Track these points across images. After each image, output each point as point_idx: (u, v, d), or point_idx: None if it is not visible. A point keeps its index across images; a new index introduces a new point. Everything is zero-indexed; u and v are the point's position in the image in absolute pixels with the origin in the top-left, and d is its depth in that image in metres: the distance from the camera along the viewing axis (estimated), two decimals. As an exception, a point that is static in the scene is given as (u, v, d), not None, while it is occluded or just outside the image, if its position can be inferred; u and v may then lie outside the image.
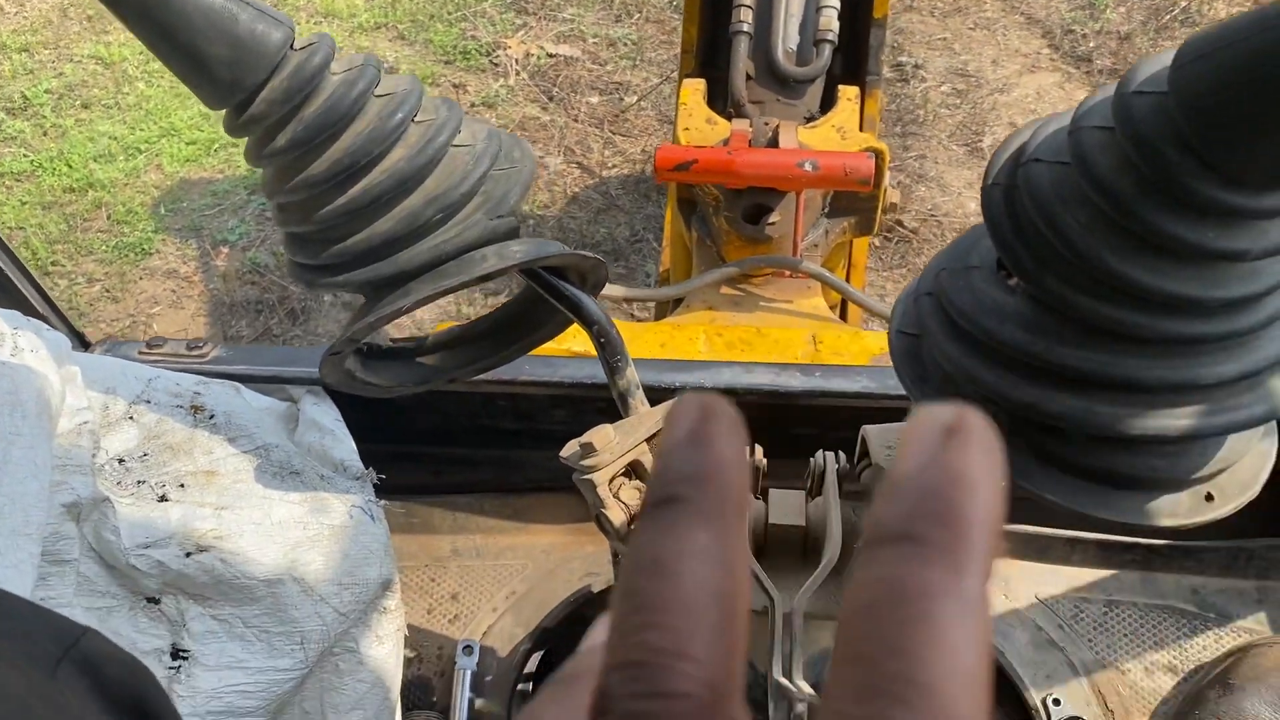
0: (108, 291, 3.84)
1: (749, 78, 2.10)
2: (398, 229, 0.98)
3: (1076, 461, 0.77)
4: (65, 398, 1.07)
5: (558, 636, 1.44)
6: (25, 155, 4.22)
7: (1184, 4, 4.23)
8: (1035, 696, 1.33)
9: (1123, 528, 0.79)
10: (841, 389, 1.32)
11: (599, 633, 0.35)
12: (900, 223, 3.76)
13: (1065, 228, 0.68)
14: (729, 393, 1.36)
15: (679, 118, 2.09)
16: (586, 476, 1.00)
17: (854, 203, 2.18)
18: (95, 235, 4.01)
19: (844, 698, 0.23)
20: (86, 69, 4.45)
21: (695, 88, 2.16)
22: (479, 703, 1.37)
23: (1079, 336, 0.73)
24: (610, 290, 2.11)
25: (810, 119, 2.11)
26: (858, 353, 1.79)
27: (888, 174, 2.15)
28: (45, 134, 4.34)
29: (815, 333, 1.86)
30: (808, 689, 0.89)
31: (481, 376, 1.26)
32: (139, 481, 1.11)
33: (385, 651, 1.21)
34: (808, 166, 1.86)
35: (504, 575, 1.48)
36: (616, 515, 1.01)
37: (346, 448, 1.29)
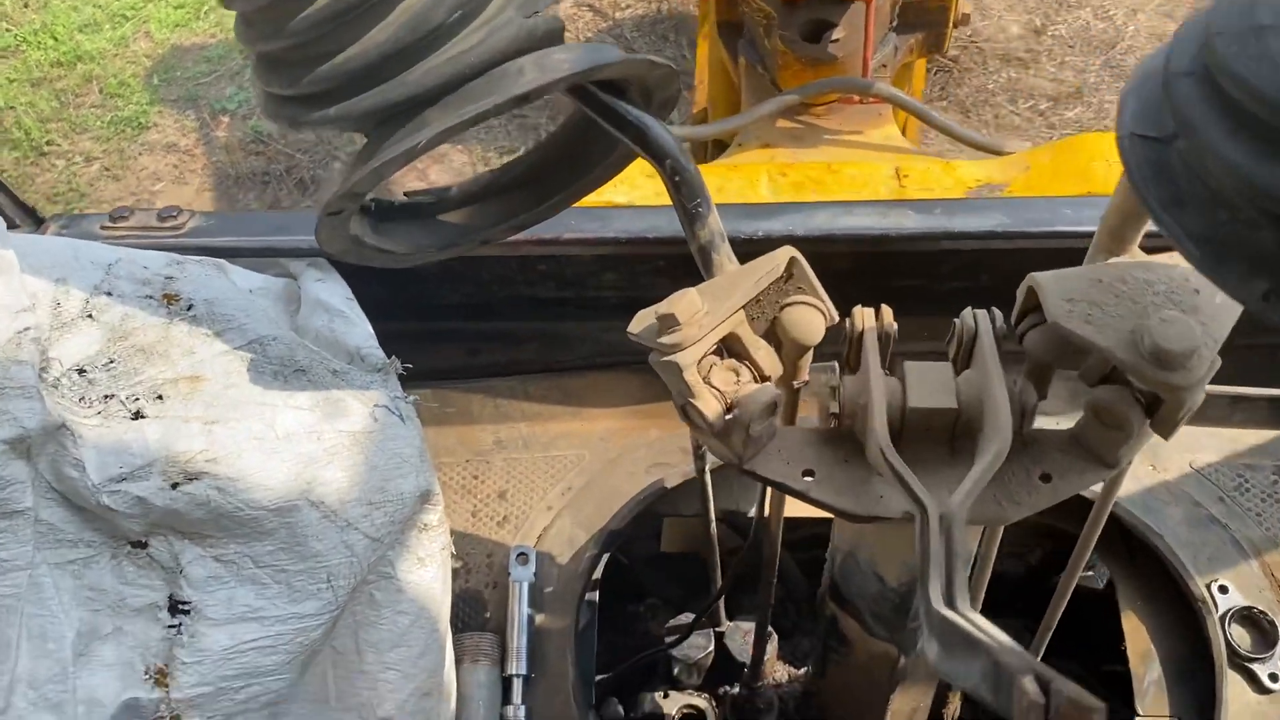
0: (108, 170, 3.67)
1: None
2: (401, 36, 0.74)
3: None
4: (-2, 293, 0.84)
5: (627, 539, 1.25)
6: (7, 29, 4.00)
7: None
8: (1198, 585, 1.12)
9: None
10: (971, 229, 1.08)
11: None
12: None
13: None
14: (826, 240, 1.12)
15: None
16: (668, 358, 0.77)
17: (924, 14, 1.98)
18: (89, 111, 3.84)
19: None
20: (62, -70, 4.19)
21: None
22: (540, 618, 1.19)
23: None
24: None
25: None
26: (951, 186, 1.55)
27: (958, -25, 1.94)
28: (26, 5, 4.12)
29: (898, 165, 1.60)
30: (983, 621, 0.68)
31: (518, 236, 1.03)
32: (106, 396, 0.89)
33: (429, 576, 1.01)
34: (880, -39, 1.62)
35: (557, 468, 1.32)
36: (710, 406, 0.78)
37: (362, 332, 1.07)
